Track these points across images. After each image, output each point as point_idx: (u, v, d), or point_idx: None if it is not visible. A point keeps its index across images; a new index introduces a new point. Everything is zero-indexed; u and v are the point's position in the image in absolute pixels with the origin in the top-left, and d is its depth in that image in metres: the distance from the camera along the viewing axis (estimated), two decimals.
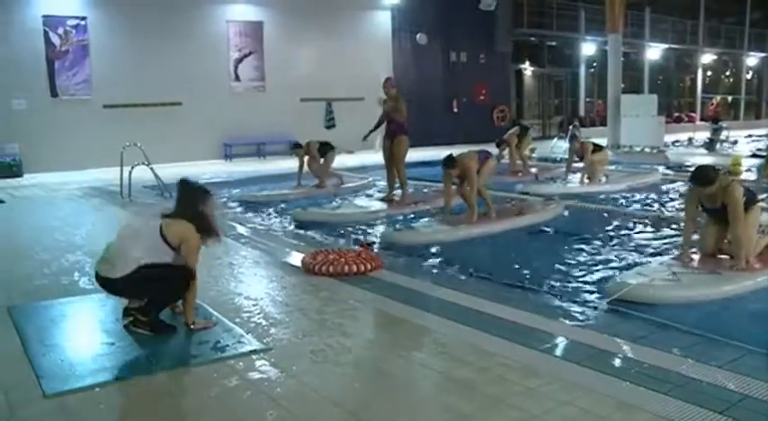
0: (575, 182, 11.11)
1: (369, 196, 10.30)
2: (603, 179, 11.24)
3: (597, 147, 11.19)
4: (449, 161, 7.72)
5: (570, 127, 21.49)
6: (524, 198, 9.54)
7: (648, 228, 7.71)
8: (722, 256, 5.54)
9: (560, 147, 18.13)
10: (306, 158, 11.09)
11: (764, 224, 5.99)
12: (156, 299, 3.99)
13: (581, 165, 11.26)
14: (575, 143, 11.30)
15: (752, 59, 34.49)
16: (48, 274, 5.60)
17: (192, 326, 4.02)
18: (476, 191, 7.75)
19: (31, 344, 3.85)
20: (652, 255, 6.36)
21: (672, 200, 10.01)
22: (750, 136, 23.16)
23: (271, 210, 9.54)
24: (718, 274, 5.08)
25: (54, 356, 3.68)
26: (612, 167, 13.42)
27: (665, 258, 5.73)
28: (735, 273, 5.10)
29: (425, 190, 10.27)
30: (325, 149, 11.06)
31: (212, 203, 4.22)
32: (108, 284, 3.99)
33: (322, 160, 11.01)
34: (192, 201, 4.11)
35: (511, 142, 12.64)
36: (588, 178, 10.94)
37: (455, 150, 8.27)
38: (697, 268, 5.27)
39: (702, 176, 5.22)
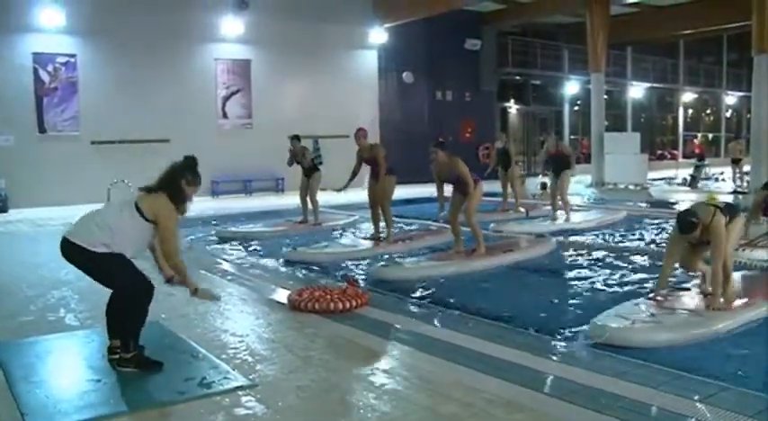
0: (559, 219, 11.23)
1: (355, 235, 10.34)
2: (572, 216, 11.37)
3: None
4: (439, 143, 8.01)
5: None
6: (513, 236, 9.62)
7: (630, 263, 7.81)
8: (699, 294, 5.64)
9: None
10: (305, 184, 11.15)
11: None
12: (120, 309, 3.97)
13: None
14: (548, 143, 11.37)
15: (730, 98, 35.18)
16: (33, 311, 5.58)
17: (195, 294, 4.09)
18: (475, 208, 7.85)
19: (16, 381, 3.83)
20: (634, 290, 6.44)
21: (654, 234, 10.15)
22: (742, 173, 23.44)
23: (257, 246, 9.56)
24: (699, 315, 5.14)
25: (39, 393, 3.67)
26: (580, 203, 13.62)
27: (641, 299, 5.78)
28: (713, 313, 5.17)
29: (411, 228, 10.35)
30: (312, 170, 11.10)
31: (195, 189, 4.16)
32: (70, 252, 3.95)
33: (308, 179, 11.05)
34: (180, 173, 4.09)
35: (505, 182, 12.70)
36: (562, 201, 11.08)
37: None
38: (674, 308, 5.32)
39: (685, 225, 5.31)
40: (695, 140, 24.95)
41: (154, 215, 3.93)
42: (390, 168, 9.22)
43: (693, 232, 5.30)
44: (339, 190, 9.61)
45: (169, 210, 3.97)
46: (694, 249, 5.64)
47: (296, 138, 11.33)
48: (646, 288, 6.42)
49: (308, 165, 11.12)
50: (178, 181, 4.06)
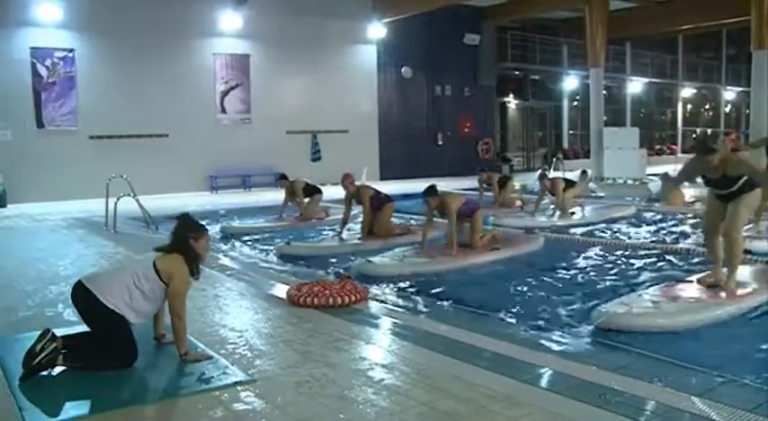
0: (546, 216, 11.30)
1: (350, 230, 10.33)
2: (578, 212, 11.45)
3: (569, 183, 11.42)
4: (429, 190, 7.84)
5: (554, 159, 21.77)
6: (502, 230, 9.62)
7: (626, 259, 7.82)
8: (707, 285, 5.64)
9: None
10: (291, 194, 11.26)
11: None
12: (95, 353, 3.96)
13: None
14: (544, 181, 11.46)
15: (729, 93, 35.18)
16: (31, 306, 5.57)
17: (184, 357, 4.03)
18: (455, 227, 7.82)
19: (15, 376, 3.82)
20: (632, 284, 6.45)
21: (653, 230, 10.16)
22: None
23: (255, 241, 9.55)
24: (700, 303, 5.15)
25: (37, 389, 3.67)
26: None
27: (650, 290, 5.79)
28: (714, 301, 5.17)
29: (410, 222, 10.33)
30: (312, 191, 11.17)
31: (205, 241, 4.24)
32: (81, 297, 3.99)
33: (307, 200, 11.10)
34: (184, 235, 4.16)
35: (493, 182, 12.82)
36: (560, 211, 11.16)
37: (439, 183, 8.36)
38: (676, 297, 5.33)
39: (704, 147, 5.43)
40: (731, 136, 24.72)
41: (168, 276, 4.02)
42: (387, 198, 9.38)
43: (711, 154, 5.34)
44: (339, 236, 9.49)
45: (183, 274, 4.07)
46: (718, 209, 5.68)
47: (283, 177, 11.52)
48: (647, 283, 6.43)
49: (303, 194, 11.20)
50: (186, 241, 4.15)
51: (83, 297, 3.99)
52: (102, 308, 3.91)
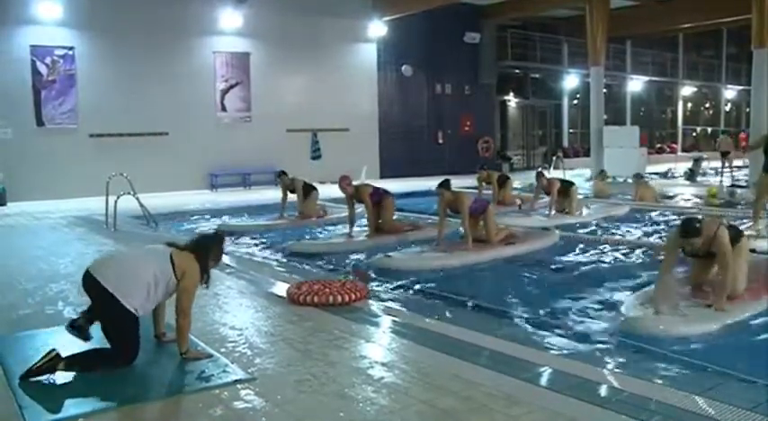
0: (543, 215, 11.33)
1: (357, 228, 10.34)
2: (584, 211, 11.50)
3: (565, 184, 11.40)
4: (444, 183, 7.98)
5: (554, 158, 21.77)
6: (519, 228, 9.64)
7: (631, 256, 7.82)
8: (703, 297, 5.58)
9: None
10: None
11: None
12: (96, 359, 3.95)
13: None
14: (541, 180, 11.47)
15: (730, 92, 35.18)
16: (32, 304, 5.57)
17: (184, 355, 4.03)
18: (468, 222, 7.87)
19: (15, 374, 3.82)
20: (634, 283, 6.45)
21: (656, 227, 10.16)
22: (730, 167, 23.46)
23: (255, 240, 9.55)
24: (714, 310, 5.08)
25: (38, 387, 3.66)
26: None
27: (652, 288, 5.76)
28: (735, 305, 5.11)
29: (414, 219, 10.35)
30: (308, 189, 11.17)
31: (216, 263, 4.32)
32: (99, 296, 3.95)
33: (305, 200, 11.12)
34: (208, 246, 4.22)
35: (493, 180, 12.89)
36: (567, 212, 11.17)
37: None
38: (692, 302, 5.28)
39: (689, 230, 5.11)
40: (741, 135, 24.76)
41: (182, 271, 4.04)
42: (386, 193, 9.33)
43: (695, 237, 5.09)
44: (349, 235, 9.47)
45: (195, 272, 4.10)
46: (702, 267, 5.48)
47: (283, 173, 11.51)
48: (646, 280, 6.44)
49: (302, 192, 11.18)
50: (207, 254, 4.20)
51: (101, 295, 3.92)
52: (122, 309, 3.87)
